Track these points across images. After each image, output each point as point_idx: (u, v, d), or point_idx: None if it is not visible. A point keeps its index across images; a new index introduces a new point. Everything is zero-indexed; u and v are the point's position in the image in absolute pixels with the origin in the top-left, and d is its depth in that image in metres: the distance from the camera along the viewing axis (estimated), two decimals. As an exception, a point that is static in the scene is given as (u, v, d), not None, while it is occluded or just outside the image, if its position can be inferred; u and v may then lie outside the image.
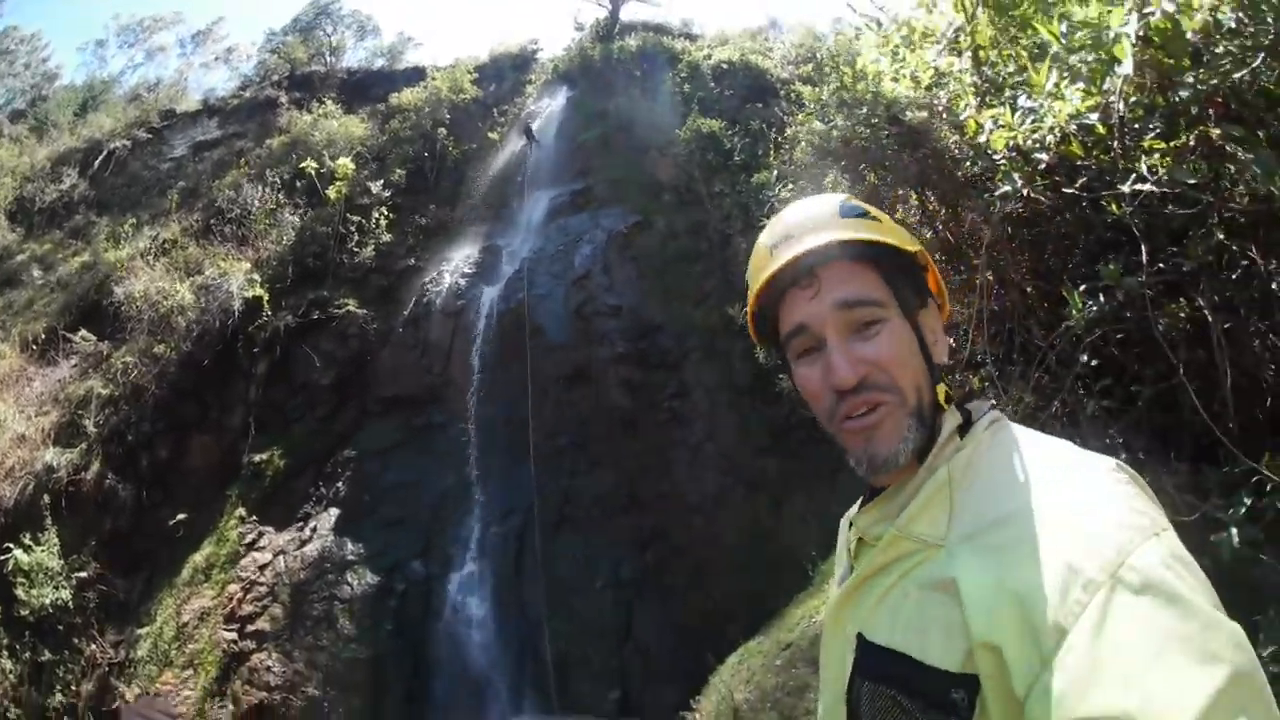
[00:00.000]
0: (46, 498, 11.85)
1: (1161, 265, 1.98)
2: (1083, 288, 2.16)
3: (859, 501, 1.07)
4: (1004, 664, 0.74)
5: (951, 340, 3.85)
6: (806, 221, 0.99)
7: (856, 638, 0.93)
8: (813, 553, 8.15)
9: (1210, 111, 1.70)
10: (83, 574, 11.39)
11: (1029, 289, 2.73)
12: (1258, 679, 0.66)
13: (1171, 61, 1.68)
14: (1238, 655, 0.67)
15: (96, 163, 20.72)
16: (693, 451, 10.85)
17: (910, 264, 1.00)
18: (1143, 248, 1.85)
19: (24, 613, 10.72)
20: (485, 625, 10.44)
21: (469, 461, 12.12)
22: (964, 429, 0.95)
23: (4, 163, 21.24)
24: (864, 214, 1.00)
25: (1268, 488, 1.75)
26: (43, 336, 14.80)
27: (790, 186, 6.93)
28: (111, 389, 13.31)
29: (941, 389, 0.97)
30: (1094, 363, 2.29)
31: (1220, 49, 1.74)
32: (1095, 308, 2.08)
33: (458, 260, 15.09)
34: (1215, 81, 1.64)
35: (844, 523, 1.14)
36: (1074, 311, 2.12)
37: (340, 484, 12.16)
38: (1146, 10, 1.62)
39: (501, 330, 13.05)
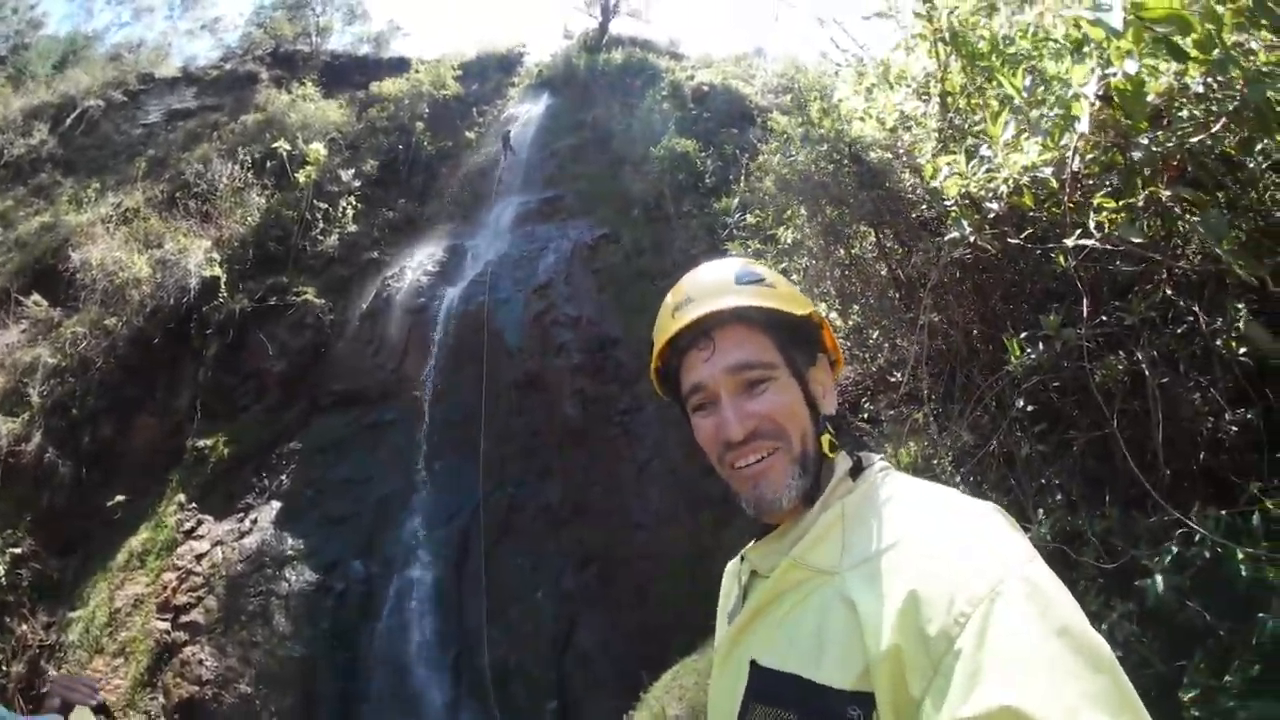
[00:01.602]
0: (-16, 466, 11.40)
1: (1104, 318, 2.05)
2: (1023, 335, 2.22)
3: (752, 541, 1.14)
4: (902, 672, 0.78)
5: (899, 374, 3.94)
6: (706, 287, 1.09)
7: (750, 664, 0.97)
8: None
9: (1164, 173, 1.77)
10: (16, 550, 11.03)
11: (974, 331, 2.80)
12: (1125, 686, 0.73)
13: (1130, 122, 1.75)
14: (1105, 664, 0.73)
15: (69, 120, 20.15)
16: (640, 467, 10.83)
17: (801, 326, 1.08)
18: (1084, 301, 1.91)
19: None
20: (424, 629, 10.25)
21: (417, 463, 11.93)
22: (856, 472, 1.04)
23: (-25, 110, 20.48)
24: (759, 280, 1.09)
25: (1195, 538, 1.82)
26: (-5, 297, 14.26)
27: (756, 214, 7.02)
28: (59, 359, 12.93)
29: (826, 439, 1.05)
30: (1030, 408, 2.35)
31: (1185, 113, 1.81)
32: (1034, 355, 2.14)
33: (421, 257, 14.94)
34: (1171, 145, 1.71)
35: (731, 566, 1.23)
36: (1012, 358, 2.18)
37: (284, 477, 11.89)
38: (1109, 71, 1.69)
39: (460, 332, 12.92)
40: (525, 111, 19.85)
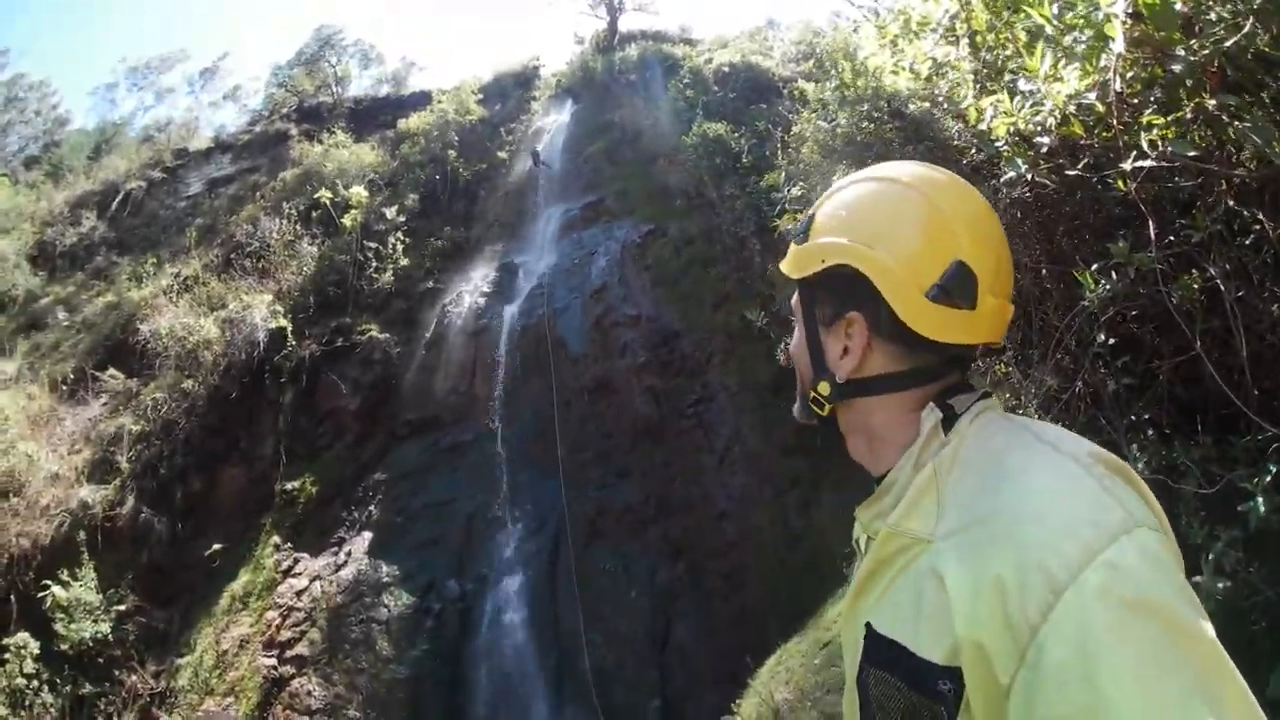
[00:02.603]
0: (82, 534, 12.06)
1: (1172, 238, 1.98)
2: (1094, 267, 2.15)
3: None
4: (988, 657, 0.76)
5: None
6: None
7: (865, 626, 0.97)
8: (846, 550, 8.06)
9: (1207, 82, 1.70)
10: (121, 607, 11.59)
11: (1043, 271, 2.72)
12: (1226, 680, 0.68)
13: (1163, 35, 1.69)
14: (1202, 649, 0.69)
15: (114, 204, 21.08)
16: (719, 456, 10.83)
17: (817, 281, 1.07)
18: (1150, 224, 1.85)
19: (64, 647, 10.92)
20: (522, 640, 10.46)
21: (498, 478, 12.18)
22: (949, 423, 0.97)
23: (22, 208, 21.65)
24: (800, 234, 1.11)
25: (1292, 454, 1.74)
26: (71, 376, 15.05)
27: (800, 185, 6.94)
28: (142, 425, 13.56)
29: (811, 395, 1.10)
30: (1111, 341, 2.28)
31: (1213, 15, 1.73)
32: (1108, 286, 2.07)
33: (476, 280, 15.24)
34: (1208, 51, 1.64)
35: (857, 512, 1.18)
36: (1088, 292, 2.12)
37: (372, 507, 12.28)
38: (1134, -14, 1.63)
39: (523, 346, 13.15)
40: (551, 122, 20.04)
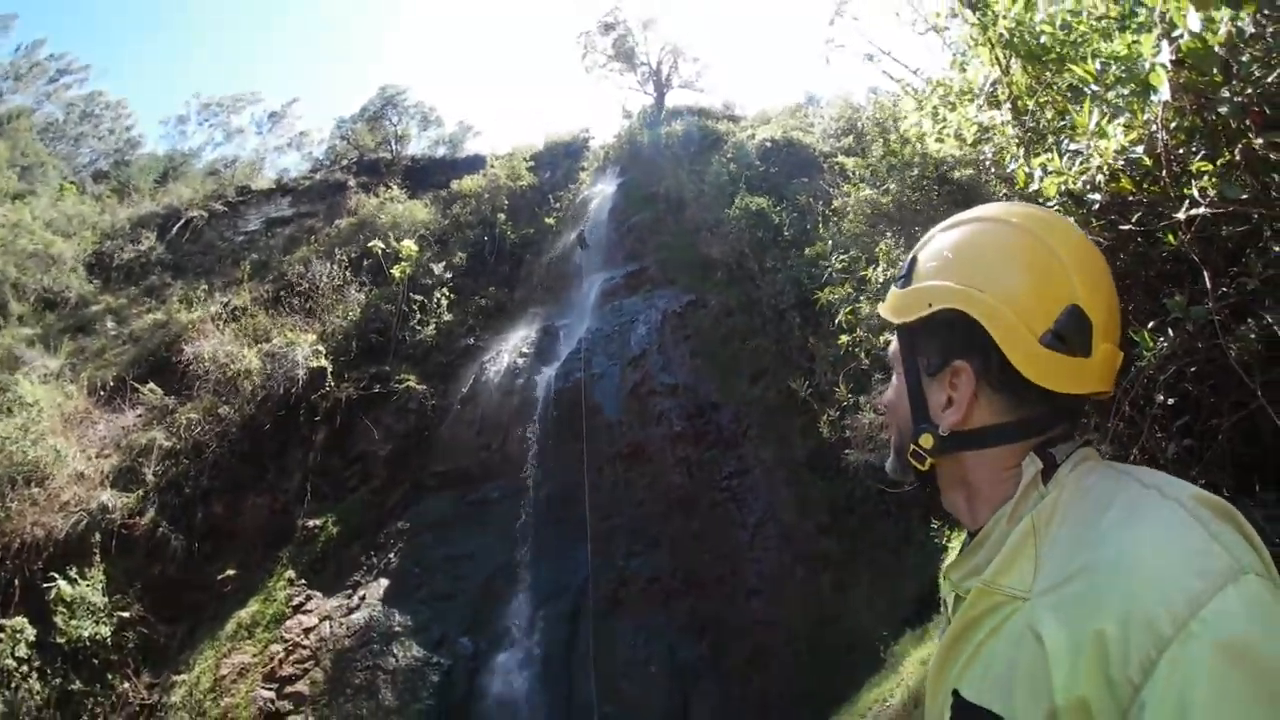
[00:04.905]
0: (98, 535, 12.25)
1: (1225, 289, 1.93)
2: (1150, 325, 2.10)
3: (955, 554, 1.07)
4: (1091, 717, 0.73)
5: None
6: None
7: (953, 694, 0.92)
8: (884, 633, 7.76)
9: (1249, 123, 1.68)
10: (125, 613, 11.67)
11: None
12: None
13: (1204, 80, 1.68)
14: None
15: (174, 229, 22.05)
16: (752, 531, 10.60)
17: (922, 328, 1.03)
18: (1204, 275, 1.80)
19: (59, 640, 10.98)
20: (532, 708, 10.13)
21: (522, 539, 12.04)
22: (1048, 474, 0.93)
23: (86, 217, 22.70)
24: (902, 278, 1.09)
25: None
26: (111, 384, 15.52)
27: (844, 255, 6.96)
28: (173, 442, 13.84)
29: (911, 449, 1.04)
30: (1169, 401, 2.20)
31: (1246, 56, 1.73)
32: (1166, 343, 2.01)
33: (516, 340, 15.45)
34: (1249, 91, 1.63)
35: (945, 570, 1.13)
36: (1145, 350, 2.06)
37: (392, 555, 12.20)
38: (1175, 35, 1.64)
39: (559, 409, 13.16)
40: (599, 192, 20.56)
